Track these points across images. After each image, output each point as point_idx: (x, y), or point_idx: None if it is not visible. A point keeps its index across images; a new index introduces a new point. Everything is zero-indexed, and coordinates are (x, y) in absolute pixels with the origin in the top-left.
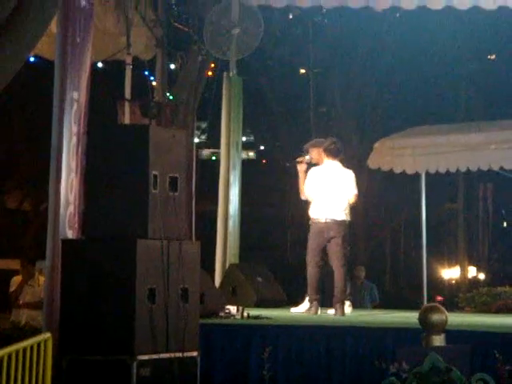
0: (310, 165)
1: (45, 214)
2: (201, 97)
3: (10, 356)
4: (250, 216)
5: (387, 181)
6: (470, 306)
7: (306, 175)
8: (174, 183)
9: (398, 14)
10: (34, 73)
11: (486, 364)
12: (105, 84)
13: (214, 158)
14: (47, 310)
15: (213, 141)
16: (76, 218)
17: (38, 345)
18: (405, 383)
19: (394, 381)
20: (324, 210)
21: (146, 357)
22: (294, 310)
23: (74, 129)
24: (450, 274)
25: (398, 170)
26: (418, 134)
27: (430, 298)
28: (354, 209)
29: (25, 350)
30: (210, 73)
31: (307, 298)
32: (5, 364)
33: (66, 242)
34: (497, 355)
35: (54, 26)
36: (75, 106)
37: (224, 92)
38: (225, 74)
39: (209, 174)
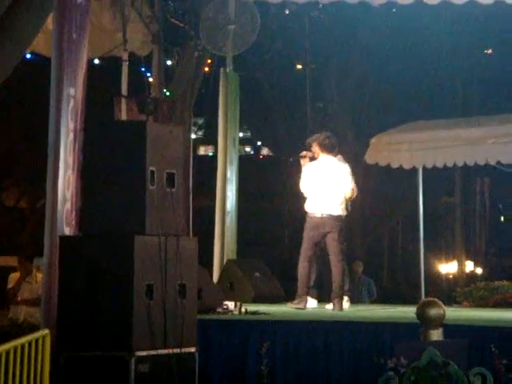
0: (314, 159)
1: (42, 212)
2: (197, 93)
3: (8, 352)
4: (247, 211)
5: (384, 176)
6: (467, 300)
7: None
8: (171, 179)
9: (394, 10)
10: (31, 69)
11: (483, 358)
12: (101, 80)
13: (210, 153)
14: (45, 306)
15: (210, 137)
16: (73, 214)
17: (36, 341)
18: (403, 378)
19: (392, 375)
20: (320, 205)
21: (144, 353)
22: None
23: (71, 125)
24: (447, 268)
25: (395, 165)
26: (414, 129)
27: (428, 293)
28: (352, 203)
29: (23, 346)
30: (206, 68)
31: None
32: (3, 360)
33: (64, 239)
34: (494, 349)
35: (50, 23)
36: (72, 103)
37: (221, 88)
38: (221, 69)
39: (206, 169)
